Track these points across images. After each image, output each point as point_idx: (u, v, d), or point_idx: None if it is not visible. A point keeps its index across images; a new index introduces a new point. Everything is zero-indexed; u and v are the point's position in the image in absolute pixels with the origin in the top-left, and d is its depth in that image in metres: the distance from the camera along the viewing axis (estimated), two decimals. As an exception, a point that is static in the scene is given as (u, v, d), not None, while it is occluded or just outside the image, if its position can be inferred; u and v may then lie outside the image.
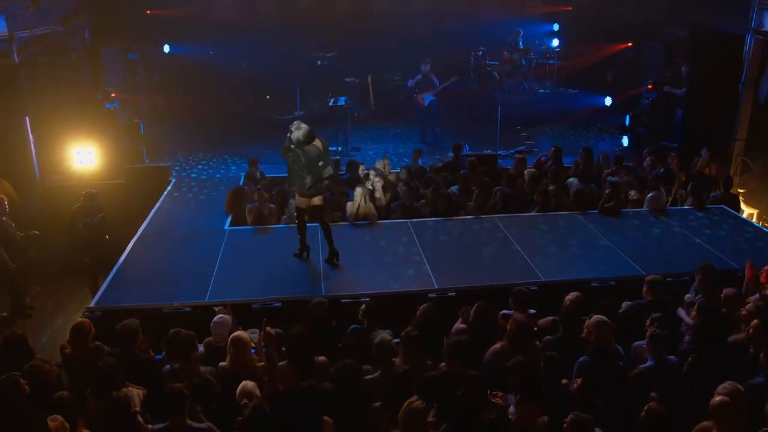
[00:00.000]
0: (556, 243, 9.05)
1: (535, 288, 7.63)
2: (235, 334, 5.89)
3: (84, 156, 11.88)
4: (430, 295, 7.53)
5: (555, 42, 18.75)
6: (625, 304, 7.00)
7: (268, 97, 18.46)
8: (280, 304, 7.34)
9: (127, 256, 8.72)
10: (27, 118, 11.47)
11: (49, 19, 12.85)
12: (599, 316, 5.88)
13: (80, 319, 6.26)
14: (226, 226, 9.69)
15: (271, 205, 9.94)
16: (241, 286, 7.81)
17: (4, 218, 9.41)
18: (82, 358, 5.99)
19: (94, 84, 13.78)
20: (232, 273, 8.15)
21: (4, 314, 9.62)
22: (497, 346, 6.10)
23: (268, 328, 5.49)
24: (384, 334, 6.10)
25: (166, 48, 17.69)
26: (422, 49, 17.28)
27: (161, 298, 7.53)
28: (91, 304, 7.45)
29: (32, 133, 11.63)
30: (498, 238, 9.19)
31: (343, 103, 14.93)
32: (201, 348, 6.21)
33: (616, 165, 11.61)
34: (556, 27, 19.15)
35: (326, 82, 17.19)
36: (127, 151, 13.32)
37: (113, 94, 13.81)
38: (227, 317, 6.34)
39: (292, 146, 8.09)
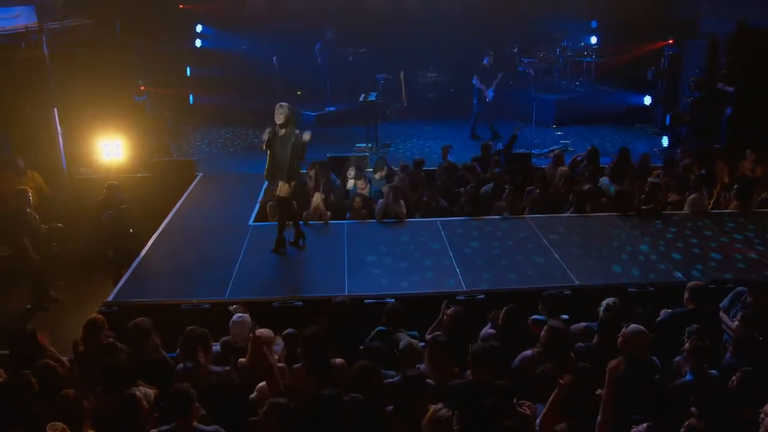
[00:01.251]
0: (591, 245, 8.64)
1: (569, 292, 7.27)
2: (257, 331, 5.63)
3: (111, 149, 11.75)
4: (458, 297, 7.19)
5: (593, 39, 18.19)
6: (664, 313, 6.59)
7: (298, 92, 18.26)
8: (301, 303, 7.07)
9: (148, 250, 8.56)
10: (55, 109, 11.39)
11: (80, 11, 12.81)
12: (636, 325, 5.47)
13: (93, 315, 6.06)
14: (251, 222, 9.47)
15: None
16: (262, 283, 7.58)
17: (28, 210, 9.31)
18: (94, 355, 5.79)
19: (124, 77, 13.67)
20: (254, 270, 7.93)
21: (28, 306, 9.51)
22: (528, 353, 5.74)
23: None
24: (410, 339, 5.79)
25: (198, 42, 17.62)
26: (455, 45, 17.01)
27: (180, 294, 7.33)
28: (109, 299, 7.25)
29: (60, 125, 11.55)
30: (530, 239, 8.81)
31: (374, 99, 14.63)
32: (217, 347, 5.97)
33: (664, 166, 11.09)
34: (594, 24, 18.57)
35: (357, 79, 16.94)
36: (155, 144, 13.20)
37: (142, 87, 13.69)
38: (247, 316, 6.09)
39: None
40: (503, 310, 6.15)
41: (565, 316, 6.40)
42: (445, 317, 6.25)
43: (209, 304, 7.04)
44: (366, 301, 7.11)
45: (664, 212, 9.78)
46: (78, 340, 6.01)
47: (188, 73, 16.81)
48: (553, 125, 16.05)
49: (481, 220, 9.39)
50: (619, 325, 5.85)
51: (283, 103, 8.02)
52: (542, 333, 5.74)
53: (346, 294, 7.22)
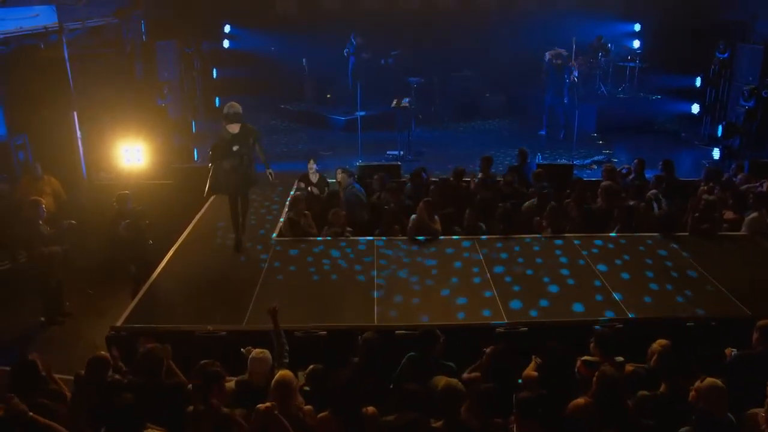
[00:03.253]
0: (641, 270, 7.88)
1: (621, 326, 6.56)
2: (281, 374, 5.03)
3: (132, 154, 11.33)
4: (498, 329, 6.51)
5: (636, 43, 17.35)
6: (732, 354, 5.85)
7: (328, 96, 17.73)
8: (325, 333, 6.45)
9: (162, 268, 8.00)
10: (75, 113, 10.97)
11: (104, 11, 12.40)
12: (714, 380, 4.77)
13: (98, 353, 5.52)
14: (274, 236, 8.89)
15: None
16: (283, 309, 6.93)
17: (40, 222, 8.84)
18: (98, 394, 5.26)
19: (148, 79, 13.22)
20: (275, 293, 7.30)
21: (42, 319, 9.05)
22: (581, 401, 5.06)
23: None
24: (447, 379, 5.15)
25: (226, 43, 17.17)
26: (491, 48, 16.33)
27: (195, 319, 6.77)
28: (118, 323, 6.71)
29: (80, 129, 11.12)
30: (575, 262, 8.08)
31: (406, 104, 14.01)
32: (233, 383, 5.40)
33: (712, 180, 10.28)
34: (637, 27, 17.74)
35: (389, 82, 16.34)
36: (178, 149, 12.72)
37: (165, 90, 13.23)
38: (267, 353, 5.49)
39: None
40: (547, 352, 5.49)
41: (619, 359, 5.71)
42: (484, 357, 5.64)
43: (226, 332, 6.44)
44: (397, 332, 6.45)
45: (720, 233, 8.99)
46: (80, 374, 5.49)
47: (215, 75, 16.32)
48: (594, 133, 15.25)
49: (521, 240, 8.69)
50: (685, 368, 5.21)
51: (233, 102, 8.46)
52: (594, 380, 5.07)
53: (375, 323, 6.62)
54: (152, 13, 14.29)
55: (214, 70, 16.44)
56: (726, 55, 14.52)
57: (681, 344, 5.80)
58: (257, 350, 5.48)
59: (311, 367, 5.52)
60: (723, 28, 15.17)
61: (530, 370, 5.68)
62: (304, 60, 17.29)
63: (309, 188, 10.26)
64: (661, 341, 5.76)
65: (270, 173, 8.78)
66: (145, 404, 5.11)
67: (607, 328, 6.32)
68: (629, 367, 5.72)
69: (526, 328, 6.56)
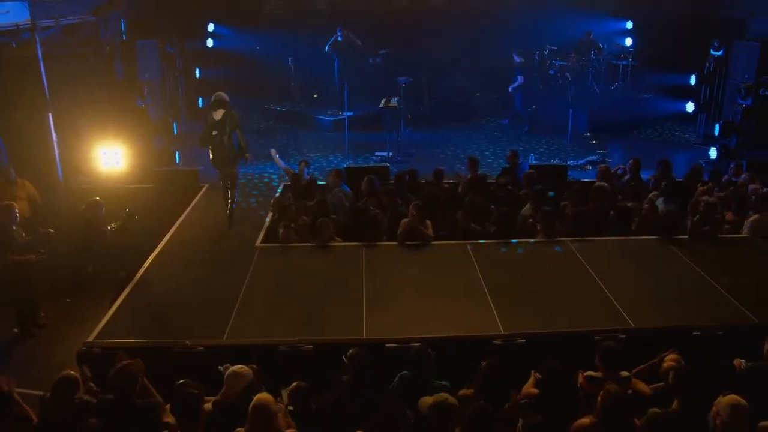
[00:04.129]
0: (642, 276, 7.55)
1: (623, 336, 6.21)
2: (259, 398, 4.64)
3: (111, 157, 10.89)
4: (494, 341, 6.15)
5: (628, 41, 17.05)
6: (743, 366, 5.51)
7: (315, 96, 17.33)
8: (312, 347, 6.05)
9: (140, 277, 7.58)
10: (50, 114, 10.49)
11: (81, 8, 11.91)
12: (735, 397, 4.43)
13: (65, 373, 5.11)
14: (258, 242, 8.49)
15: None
16: (266, 321, 6.56)
17: (14, 227, 8.39)
18: (64, 418, 4.86)
19: (128, 79, 12.76)
20: (258, 304, 6.92)
21: (15, 331, 8.59)
22: (585, 422, 4.71)
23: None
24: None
25: (210, 42, 16.72)
26: (482, 47, 16.00)
27: (173, 333, 6.36)
28: (90, 338, 6.29)
29: (56, 131, 10.64)
30: (573, 267, 7.73)
31: (395, 103, 13.63)
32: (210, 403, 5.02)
33: (712, 181, 9.97)
34: (629, 25, 17.44)
35: (377, 82, 15.95)
36: (159, 152, 12.28)
37: (146, 90, 12.77)
38: (248, 370, 5.10)
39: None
40: (546, 369, 5.14)
41: (624, 373, 5.37)
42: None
43: (204, 348, 6.03)
44: (387, 345, 6.07)
45: (721, 236, 8.68)
46: (46, 396, 5.08)
47: (198, 75, 15.87)
48: (587, 133, 14.93)
49: (516, 245, 8.33)
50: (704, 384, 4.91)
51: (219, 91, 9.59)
52: (599, 399, 4.72)
53: (364, 336, 6.23)
54: (132, 11, 13.81)
55: (197, 69, 15.97)
56: (721, 52, 14.23)
57: (689, 355, 5.49)
58: (237, 366, 5.09)
59: (294, 384, 5.13)
60: (717, 26, 14.89)
61: (530, 387, 5.34)
62: (290, 59, 16.87)
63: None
64: (672, 356, 5.44)
65: (246, 156, 9.59)
66: (117, 426, 4.74)
67: (609, 338, 5.97)
68: (642, 386, 5.38)
69: (524, 340, 6.20)
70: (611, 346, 5.43)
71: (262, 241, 8.57)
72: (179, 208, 10.08)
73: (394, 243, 8.30)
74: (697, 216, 8.67)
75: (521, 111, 16.00)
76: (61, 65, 11.16)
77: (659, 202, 9.27)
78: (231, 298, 6.97)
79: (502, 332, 6.32)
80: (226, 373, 5.05)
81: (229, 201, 9.63)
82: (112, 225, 8.63)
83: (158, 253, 8.32)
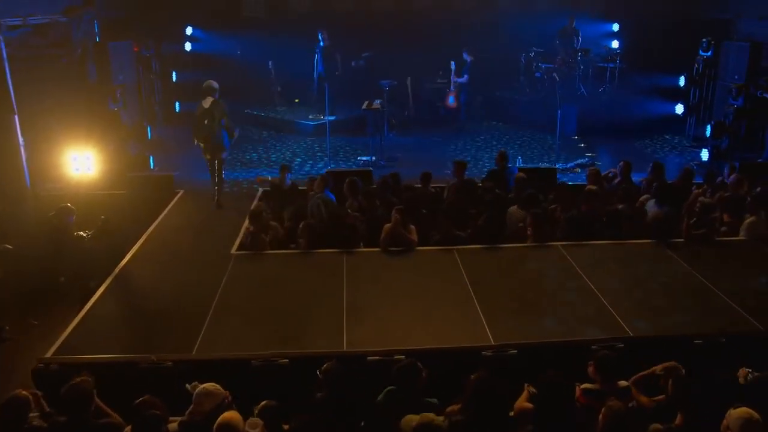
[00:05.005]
0: (639, 281, 7.17)
1: (621, 345, 5.83)
2: (224, 418, 4.21)
3: (81, 162, 10.41)
4: (484, 353, 5.74)
5: (615, 43, 16.78)
6: (749, 376, 5.14)
7: (296, 100, 16.92)
8: (287, 361, 5.61)
9: (106, 287, 7.11)
10: (16, 117, 9.99)
11: (50, 8, 11.44)
12: (747, 410, 4.06)
13: (15, 393, 4.64)
14: (233, 250, 8.05)
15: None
16: (239, 334, 6.12)
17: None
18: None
19: (101, 82, 12.28)
20: (232, 314, 6.47)
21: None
22: (585, 439, 4.32)
23: None
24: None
25: (188, 45, 16.27)
26: (468, 48, 15.67)
27: (140, 347, 5.91)
28: (48, 354, 5.82)
29: (23, 135, 10.14)
30: (566, 273, 7.35)
31: (378, 105, 13.24)
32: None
33: (707, 182, 9.66)
34: (615, 27, 17.19)
35: (360, 85, 15.57)
36: (133, 157, 11.80)
37: (118, 93, 12.29)
38: (219, 389, 4.65)
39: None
40: (542, 383, 4.74)
41: (623, 383, 5.00)
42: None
43: (172, 362, 5.58)
44: (369, 358, 5.65)
45: (718, 238, 8.35)
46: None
47: (174, 78, 15.41)
48: (576, 136, 14.63)
49: (506, 249, 7.95)
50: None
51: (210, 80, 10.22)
52: (600, 417, 4.34)
53: (344, 349, 5.81)
54: (106, 12, 13.36)
55: (174, 73, 15.50)
56: (709, 53, 13.98)
57: (691, 365, 5.12)
58: (207, 384, 4.65)
59: (263, 403, 4.69)
60: (705, 28, 14.66)
61: (523, 401, 4.93)
62: (269, 63, 16.45)
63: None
64: (668, 364, 5.05)
65: (233, 134, 10.30)
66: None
67: (605, 348, 5.59)
68: (644, 400, 5.00)
69: (515, 351, 5.79)
70: (606, 355, 5.08)
71: (238, 249, 8.13)
72: (153, 214, 9.65)
73: (377, 249, 7.89)
74: (693, 218, 8.36)
75: (463, 112, 15.86)
76: (29, 66, 10.71)
77: (651, 205, 8.93)
78: (203, 308, 6.53)
79: (493, 343, 5.92)
80: (195, 391, 4.61)
81: (217, 188, 10.27)
82: (87, 233, 8.19)
83: (127, 261, 7.87)
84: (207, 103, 9.99)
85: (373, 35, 16.43)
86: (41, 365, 5.64)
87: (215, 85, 10.12)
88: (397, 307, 6.60)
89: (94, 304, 6.77)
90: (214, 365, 5.56)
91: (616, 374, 5.00)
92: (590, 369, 5.04)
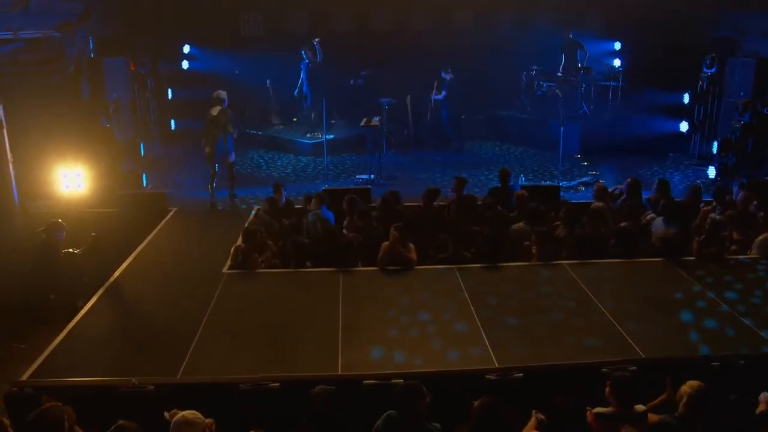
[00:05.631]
0: (649, 301, 6.85)
1: (634, 368, 5.48)
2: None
3: (72, 179, 10.13)
4: (488, 376, 5.39)
5: (617, 62, 16.57)
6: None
7: (294, 119, 16.68)
8: (278, 384, 5.26)
9: (90, 307, 6.78)
10: (5, 132, 9.72)
11: (44, 23, 11.23)
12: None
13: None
14: (225, 269, 7.73)
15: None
16: (228, 356, 5.77)
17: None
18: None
19: (94, 98, 12.03)
20: (221, 335, 6.14)
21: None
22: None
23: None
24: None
25: (185, 64, 16.07)
26: (468, 68, 15.47)
27: (122, 369, 5.56)
28: (24, 377, 5.47)
29: (11, 151, 9.86)
30: (572, 292, 7.03)
31: (376, 122, 12.99)
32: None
33: (716, 200, 9.37)
34: (617, 46, 16.99)
35: (359, 104, 15.34)
36: (125, 174, 11.52)
37: (111, 109, 12.04)
38: (199, 417, 4.31)
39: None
40: (549, 408, 4.42)
41: (640, 407, 4.67)
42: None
43: (154, 386, 5.23)
44: (366, 382, 5.30)
45: (729, 256, 8.03)
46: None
47: (170, 96, 15.17)
48: (578, 155, 14.36)
49: (509, 268, 7.63)
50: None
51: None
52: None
53: (339, 372, 5.47)
54: (103, 30, 13.14)
55: (170, 90, 15.26)
56: (714, 70, 13.74)
57: (708, 389, 4.78)
58: (186, 412, 4.30)
59: None
60: (708, 45, 14.45)
61: (531, 429, 4.58)
62: (267, 81, 16.24)
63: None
64: (693, 382, 4.73)
65: (230, 132, 11.02)
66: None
67: (617, 370, 5.25)
68: (653, 417, 4.68)
69: (521, 374, 5.44)
70: (623, 376, 4.77)
71: (231, 267, 7.81)
72: (145, 232, 9.33)
73: (374, 268, 7.57)
74: (703, 236, 8.06)
75: (447, 128, 15.56)
76: (21, 82, 10.48)
77: (659, 223, 8.63)
78: (190, 329, 6.20)
79: (497, 366, 5.58)
80: (173, 419, 4.26)
81: (210, 190, 10.94)
82: (77, 250, 7.89)
83: (114, 280, 7.55)
84: (215, 111, 10.88)
85: (372, 54, 16.26)
86: (14, 389, 5.29)
87: (223, 95, 11.05)
88: (395, 329, 6.26)
89: (77, 324, 6.45)
90: (200, 389, 5.23)
91: (633, 398, 4.68)
92: (606, 390, 4.72)
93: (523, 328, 6.28)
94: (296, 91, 15.58)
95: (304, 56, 15.30)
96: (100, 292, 7.17)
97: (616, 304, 6.73)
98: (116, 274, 7.71)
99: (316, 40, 15.34)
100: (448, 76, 15.09)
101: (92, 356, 5.90)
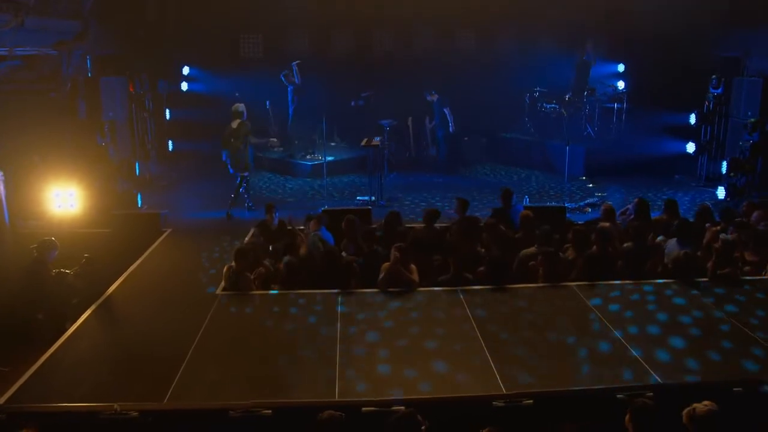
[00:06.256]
0: (663, 323, 6.52)
1: (651, 394, 5.13)
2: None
3: (64, 198, 9.90)
4: (495, 403, 5.04)
5: (621, 84, 16.37)
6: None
7: (296, 142, 16.44)
8: (270, 412, 4.91)
9: (76, 329, 6.46)
10: (-6, 150, 9.52)
11: (41, 41, 11.03)
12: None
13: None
14: (218, 290, 7.42)
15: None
16: (218, 381, 5.43)
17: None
18: None
19: (89, 117, 11.80)
20: (212, 359, 5.81)
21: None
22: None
23: None
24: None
25: (184, 85, 15.88)
26: (471, 91, 15.28)
27: (106, 394, 5.22)
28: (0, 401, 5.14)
29: (2, 169, 9.61)
30: (582, 315, 6.70)
31: (377, 142, 12.77)
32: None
33: (723, 220, 9.07)
34: (621, 68, 16.82)
35: (360, 125, 15.13)
36: (120, 194, 11.25)
37: (106, 128, 11.81)
38: None
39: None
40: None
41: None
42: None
43: (138, 413, 4.88)
44: (365, 409, 4.95)
45: (743, 277, 7.71)
46: None
47: (167, 116, 14.96)
48: (583, 177, 14.09)
49: (515, 290, 7.31)
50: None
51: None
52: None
53: (336, 398, 5.13)
54: (102, 50, 12.94)
55: (167, 111, 15.04)
56: (720, 90, 13.53)
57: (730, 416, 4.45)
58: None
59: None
60: (713, 65, 14.25)
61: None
62: (267, 103, 16.06)
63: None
64: (707, 403, 4.38)
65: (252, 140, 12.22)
66: None
67: (635, 396, 4.90)
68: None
69: (531, 401, 5.09)
70: (645, 404, 4.42)
71: (224, 288, 7.50)
72: (139, 253, 9.04)
73: (375, 290, 7.25)
74: (717, 256, 7.75)
75: (442, 150, 15.41)
76: (14, 99, 10.29)
77: (672, 244, 8.32)
78: (179, 352, 5.87)
79: (504, 392, 5.24)
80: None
81: (230, 201, 11.50)
82: (69, 270, 7.60)
83: (103, 301, 7.24)
84: (235, 124, 11.60)
85: (373, 75, 16.12)
86: (-11, 415, 4.94)
87: (241, 108, 11.82)
88: (396, 353, 5.92)
89: (61, 345, 6.15)
90: (187, 415, 4.91)
91: (656, 427, 4.34)
92: (627, 418, 4.39)
93: (531, 351, 5.95)
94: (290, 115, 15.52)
95: (284, 80, 15.23)
96: (87, 313, 6.87)
97: (629, 326, 6.41)
98: (105, 294, 7.40)
99: (296, 62, 15.29)
100: (433, 98, 14.87)
101: (74, 380, 5.56)
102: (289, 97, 15.46)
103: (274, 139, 15.04)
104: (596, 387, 5.31)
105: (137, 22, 14.31)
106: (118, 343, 6.25)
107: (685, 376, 5.57)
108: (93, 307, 7.03)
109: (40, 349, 6.35)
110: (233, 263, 7.43)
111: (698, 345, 6.09)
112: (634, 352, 5.88)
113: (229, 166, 11.68)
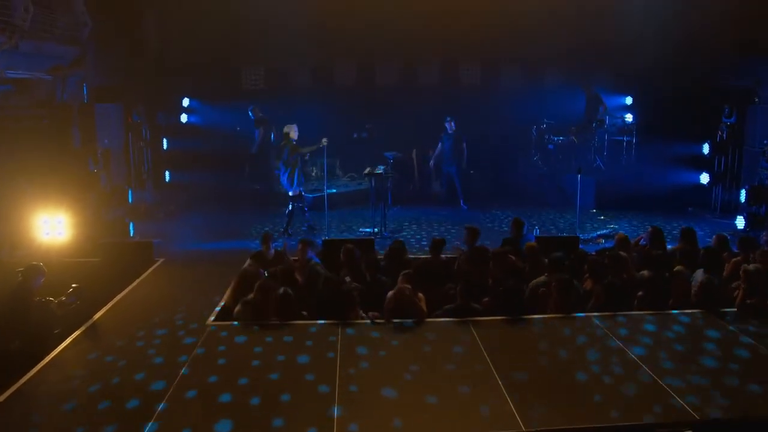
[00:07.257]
0: (694, 356, 5.98)
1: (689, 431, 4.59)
2: None
3: (52, 226, 9.43)
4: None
5: (629, 117, 16.01)
6: None
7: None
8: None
9: (50, 361, 5.92)
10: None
11: (35, 65, 10.69)
12: None
13: None
14: (209, 320, 6.89)
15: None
16: (201, 423, 4.86)
17: None
18: None
19: (85, 144, 11.41)
20: (194, 398, 5.24)
21: None
22: None
23: None
24: None
25: (184, 117, 15.55)
26: (476, 124, 14.92)
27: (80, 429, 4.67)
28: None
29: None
30: (604, 347, 6.15)
31: (380, 171, 12.37)
32: None
33: (742, 250, 8.57)
34: (629, 100, 16.49)
35: (363, 158, 14.75)
36: (111, 222, 10.79)
37: (99, 153, 11.40)
38: None
39: None
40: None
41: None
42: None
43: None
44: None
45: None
46: None
47: (165, 146, 14.58)
48: (594, 209, 13.64)
49: (528, 321, 6.78)
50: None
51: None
52: None
53: (334, 437, 4.58)
54: (99, 78, 12.61)
55: (165, 140, 14.66)
56: (733, 119, 13.15)
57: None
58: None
59: None
60: (724, 95, 13.90)
61: None
62: (272, 135, 15.72)
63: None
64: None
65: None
66: None
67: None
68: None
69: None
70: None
71: (217, 319, 6.97)
72: (128, 283, 8.53)
73: (379, 321, 6.71)
74: (744, 286, 7.25)
75: (458, 184, 14.79)
76: (7, 125, 9.94)
77: (699, 273, 7.82)
78: (159, 389, 5.31)
79: (524, 430, 4.67)
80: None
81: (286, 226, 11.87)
82: (53, 299, 7.09)
83: (84, 330, 6.70)
84: (281, 145, 12.05)
85: (376, 107, 15.82)
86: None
87: (287, 129, 11.99)
88: (402, 389, 5.36)
89: (31, 378, 5.58)
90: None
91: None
92: None
93: (552, 386, 5.39)
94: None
95: (251, 114, 15.06)
96: (65, 343, 6.35)
97: (656, 359, 5.86)
98: (86, 324, 6.87)
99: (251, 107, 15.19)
100: (451, 126, 14.51)
101: (34, 422, 4.98)
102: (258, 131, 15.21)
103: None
104: (628, 423, 4.75)
105: (137, 51, 14.03)
106: (91, 379, 5.58)
107: (721, 411, 4.99)
108: (72, 336, 6.51)
109: (11, 380, 5.88)
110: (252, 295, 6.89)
111: (732, 378, 5.54)
112: (665, 386, 5.32)
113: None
